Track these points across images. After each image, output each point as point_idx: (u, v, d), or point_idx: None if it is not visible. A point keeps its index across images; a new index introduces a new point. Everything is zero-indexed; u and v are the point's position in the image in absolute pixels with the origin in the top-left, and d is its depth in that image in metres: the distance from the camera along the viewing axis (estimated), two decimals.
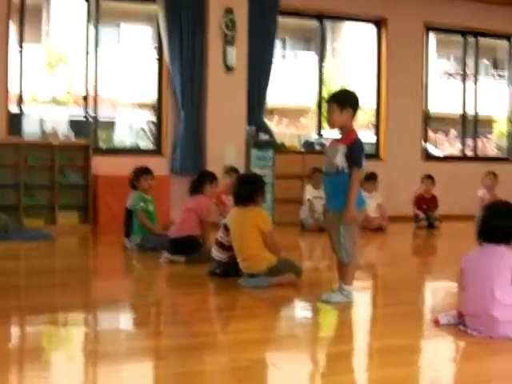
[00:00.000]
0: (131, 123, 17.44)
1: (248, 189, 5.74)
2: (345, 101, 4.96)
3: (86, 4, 10.38)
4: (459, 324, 4.17)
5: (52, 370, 3.54)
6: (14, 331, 4.37)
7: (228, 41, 10.31)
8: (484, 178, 10.85)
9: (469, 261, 4.19)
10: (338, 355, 3.82)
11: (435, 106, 13.47)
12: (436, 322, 4.27)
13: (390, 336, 4.13)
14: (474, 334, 3.99)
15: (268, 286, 5.42)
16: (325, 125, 11.94)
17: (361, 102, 5.06)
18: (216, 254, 6.00)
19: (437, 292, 5.92)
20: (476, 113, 13.09)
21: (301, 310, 5.14)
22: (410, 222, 10.79)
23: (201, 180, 7.15)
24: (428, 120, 12.62)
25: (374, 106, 12.26)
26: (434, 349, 3.95)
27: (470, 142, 13.51)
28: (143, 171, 7.99)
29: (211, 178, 7.22)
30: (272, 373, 3.53)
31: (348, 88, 5.43)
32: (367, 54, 13.72)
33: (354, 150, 4.83)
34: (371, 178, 10.37)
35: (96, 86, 10.42)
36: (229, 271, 5.83)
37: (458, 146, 14.75)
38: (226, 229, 5.88)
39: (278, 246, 5.68)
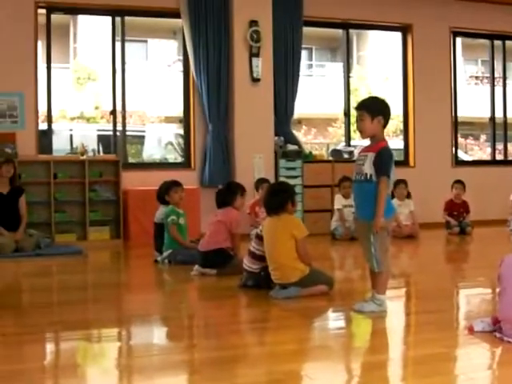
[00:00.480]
0: (159, 137, 17.52)
1: (278, 198, 5.73)
2: (376, 109, 4.88)
3: (111, 21, 10.48)
4: (494, 331, 4.11)
5: None
6: (49, 347, 4.40)
7: (253, 52, 10.34)
8: None
9: (507, 266, 4.11)
10: (372, 365, 3.79)
11: (464, 111, 13.38)
12: (470, 329, 4.22)
13: (425, 344, 4.09)
14: (511, 341, 3.93)
15: (299, 297, 5.40)
16: (353, 134, 11.94)
17: (391, 111, 5.01)
18: (248, 264, 5.98)
19: (470, 299, 5.85)
20: (505, 117, 12.96)
21: (333, 320, 5.11)
22: (441, 229, 10.71)
23: (230, 192, 7.12)
24: (457, 125, 12.52)
25: (402, 113, 12.21)
26: (469, 357, 3.90)
27: (500, 146, 13.39)
28: (173, 184, 7.98)
29: (242, 189, 7.18)
30: None
31: (378, 96, 5.34)
32: (393, 60, 13.69)
33: (382, 157, 4.79)
34: (401, 184, 10.31)
35: (124, 101, 10.50)
36: (260, 283, 5.82)
37: (488, 150, 14.62)
38: (259, 238, 5.87)
39: (310, 255, 5.65)
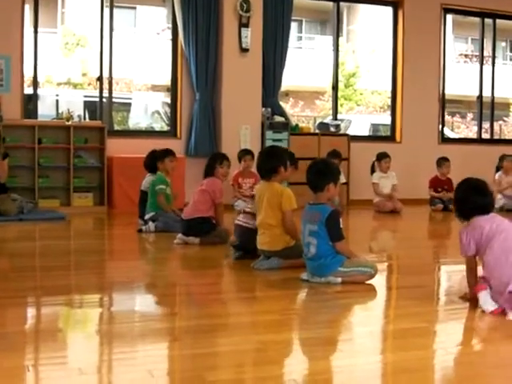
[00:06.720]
0: (146, 105, 17.43)
1: (270, 161, 5.73)
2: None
3: None
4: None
5: (67, 350, 3.55)
6: (30, 312, 4.39)
7: (243, 22, 10.26)
8: (502, 161, 10.80)
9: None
10: (352, 337, 3.81)
11: (452, 89, 13.36)
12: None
13: (405, 319, 4.11)
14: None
15: (282, 268, 5.42)
16: (340, 108, 11.90)
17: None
18: (243, 220, 5.98)
19: (452, 275, 5.89)
20: (493, 95, 12.97)
21: (315, 292, 5.11)
22: (426, 205, 10.77)
23: (210, 162, 7.10)
24: (444, 102, 12.52)
25: (390, 88, 12.19)
26: (448, 331, 3.92)
27: (486, 124, 13.41)
28: (168, 152, 7.97)
29: (221, 158, 7.14)
30: (285, 354, 3.53)
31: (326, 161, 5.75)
32: (383, 35, 13.64)
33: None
34: (386, 158, 10.40)
35: (111, 68, 10.42)
36: (252, 241, 5.77)
37: (475, 128, 14.65)
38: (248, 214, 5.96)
39: (298, 229, 5.65)
